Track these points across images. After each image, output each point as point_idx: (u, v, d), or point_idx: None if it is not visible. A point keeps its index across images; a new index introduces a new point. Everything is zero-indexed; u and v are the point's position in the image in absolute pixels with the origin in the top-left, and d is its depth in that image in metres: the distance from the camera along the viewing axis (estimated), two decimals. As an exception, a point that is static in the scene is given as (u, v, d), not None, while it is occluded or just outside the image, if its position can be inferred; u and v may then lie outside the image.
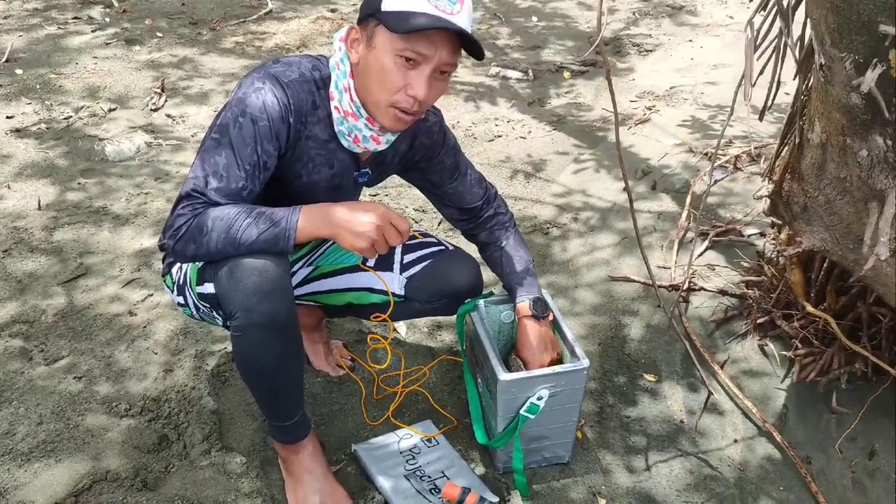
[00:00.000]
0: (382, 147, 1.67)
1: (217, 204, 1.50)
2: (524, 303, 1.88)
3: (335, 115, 1.60)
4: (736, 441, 2.07)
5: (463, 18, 1.47)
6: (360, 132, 1.61)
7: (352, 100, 1.57)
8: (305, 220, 1.49)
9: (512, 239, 1.96)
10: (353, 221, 1.48)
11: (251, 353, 1.59)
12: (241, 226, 1.47)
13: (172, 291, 1.80)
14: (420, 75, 1.49)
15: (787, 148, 1.78)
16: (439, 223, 2.94)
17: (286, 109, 1.53)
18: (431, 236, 2.00)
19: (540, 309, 1.87)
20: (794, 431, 2.09)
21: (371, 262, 1.95)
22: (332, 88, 1.59)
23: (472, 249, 2.04)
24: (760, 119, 1.73)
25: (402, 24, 1.43)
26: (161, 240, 1.60)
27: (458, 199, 1.92)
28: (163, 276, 1.85)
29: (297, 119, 1.56)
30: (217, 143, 1.52)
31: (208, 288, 1.62)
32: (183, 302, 1.77)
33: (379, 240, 1.50)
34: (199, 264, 1.65)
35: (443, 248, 1.96)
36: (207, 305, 1.67)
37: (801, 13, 1.59)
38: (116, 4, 5.06)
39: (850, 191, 1.56)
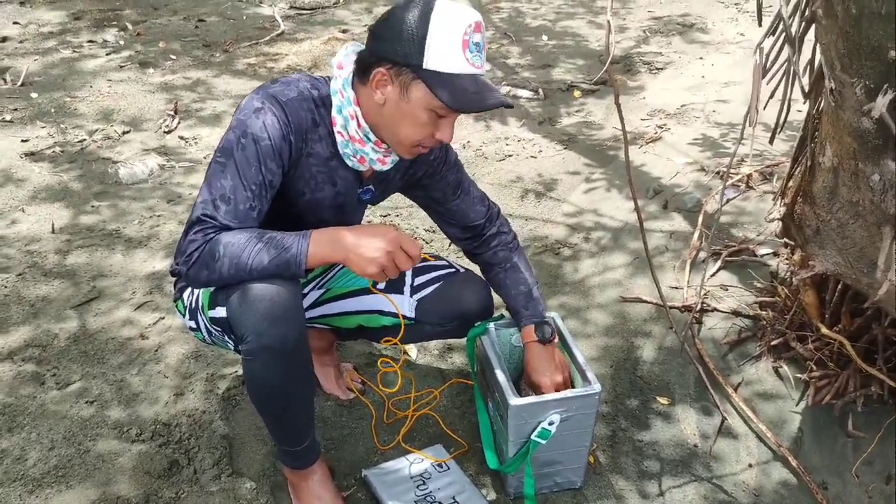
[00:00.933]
0: (388, 167, 1.68)
1: (227, 227, 1.51)
2: (528, 326, 1.88)
3: (339, 138, 1.61)
4: (751, 466, 2.05)
5: (485, 64, 1.53)
6: (366, 155, 1.63)
7: (359, 126, 1.58)
8: (316, 246, 1.50)
9: (516, 260, 1.95)
10: (363, 246, 1.49)
11: (261, 376, 1.60)
12: (252, 252, 1.48)
13: (184, 316, 1.81)
14: (448, 124, 1.56)
15: (798, 170, 1.77)
16: (450, 244, 2.94)
17: (286, 128, 1.54)
18: (442, 258, 2.00)
19: (544, 333, 1.86)
20: (810, 456, 2.07)
21: (381, 285, 1.95)
22: (334, 113, 1.60)
23: (476, 271, 2.03)
24: (771, 142, 1.72)
25: (458, 101, 1.46)
26: (173, 265, 1.61)
27: (462, 217, 1.92)
28: (174, 300, 1.85)
29: (297, 137, 1.57)
30: (222, 166, 1.53)
31: (220, 312, 1.62)
32: (195, 326, 1.78)
33: (389, 265, 1.50)
34: (212, 289, 1.66)
35: (454, 270, 1.96)
36: (219, 329, 1.67)
37: (810, 36, 1.59)
38: (130, 28, 5.12)
39: (863, 215, 1.54)
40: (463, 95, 1.47)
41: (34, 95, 4.07)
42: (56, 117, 3.84)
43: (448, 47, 1.45)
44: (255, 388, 1.64)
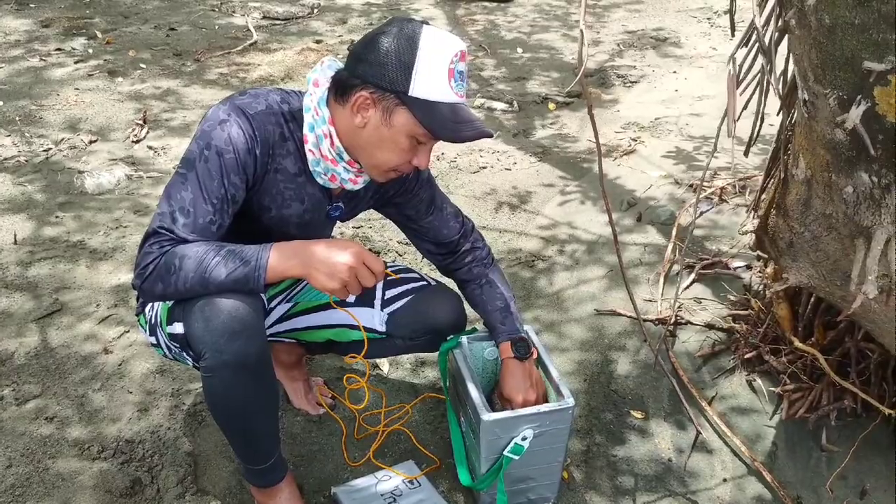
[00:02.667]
0: (359, 186, 1.66)
1: (185, 241, 1.47)
2: (506, 343, 1.85)
3: (310, 156, 1.58)
4: (725, 480, 2.03)
5: (465, 93, 1.52)
6: (338, 174, 1.60)
7: (332, 145, 1.55)
8: (276, 259, 1.46)
9: (492, 276, 1.92)
10: (325, 261, 1.46)
11: (222, 394, 1.55)
12: (210, 264, 1.44)
13: (146, 331, 1.76)
14: (426, 151, 1.55)
15: (771, 183, 1.76)
16: (423, 257, 2.90)
17: (252, 140, 1.51)
18: (414, 271, 1.97)
19: (522, 350, 1.83)
20: (784, 470, 2.05)
21: (351, 298, 1.91)
22: (305, 130, 1.56)
23: (450, 283, 2.00)
24: (746, 154, 1.72)
25: (443, 130, 1.45)
26: (133, 279, 1.56)
27: (435, 234, 1.89)
28: (136, 314, 1.80)
29: (263, 151, 1.53)
30: (183, 177, 1.49)
31: (177, 328, 1.58)
32: (155, 342, 1.73)
33: (352, 281, 1.48)
34: (170, 304, 1.62)
35: (425, 283, 1.93)
36: (178, 345, 1.62)
37: (783, 48, 1.58)
38: (100, 36, 5.04)
39: (837, 227, 1.53)
40: (447, 125, 1.46)
41: (0, 104, 3.98)
42: (21, 126, 3.75)
43: (435, 76, 1.44)
44: (216, 406, 1.59)
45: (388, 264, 1.95)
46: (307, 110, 1.55)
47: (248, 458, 1.72)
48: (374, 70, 1.45)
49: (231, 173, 1.49)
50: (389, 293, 1.91)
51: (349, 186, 1.64)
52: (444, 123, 1.46)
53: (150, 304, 1.74)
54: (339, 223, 1.89)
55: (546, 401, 1.86)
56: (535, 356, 1.88)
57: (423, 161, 1.56)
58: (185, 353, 1.63)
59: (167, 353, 1.72)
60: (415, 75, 1.43)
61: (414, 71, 1.43)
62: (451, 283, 2.00)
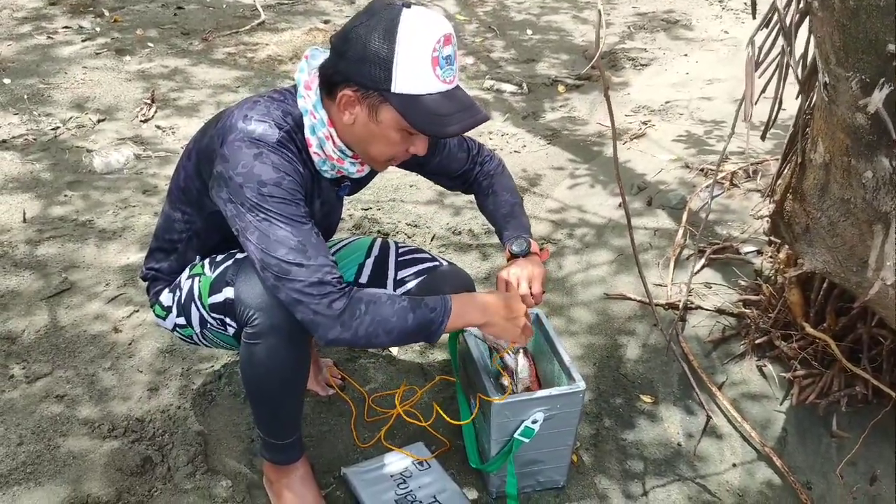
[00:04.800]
0: (366, 173, 1.68)
1: (329, 264, 1.45)
2: (508, 244, 1.84)
3: (315, 158, 1.57)
4: (735, 465, 2.03)
5: (457, 76, 1.47)
6: (345, 169, 1.61)
7: (335, 146, 1.54)
8: (457, 309, 1.53)
9: (497, 186, 1.91)
10: (507, 311, 1.58)
11: (264, 362, 1.56)
12: (398, 308, 1.48)
13: (165, 318, 1.75)
14: (423, 139, 1.52)
15: (788, 167, 1.74)
16: (432, 238, 2.90)
17: (293, 162, 1.49)
18: (425, 252, 1.96)
19: (518, 248, 1.80)
20: (794, 456, 2.05)
21: (364, 279, 1.91)
22: (307, 133, 1.54)
23: (460, 263, 1.99)
24: (763, 138, 1.70)
25: (431, 125, 1.42)
26: (143, 270, 1.65)
27: (445, 169, 1.88)
28: (151, 305, 1.80)
29: (305, 174, 1.55)
30: (268, 221, 1.44)
31: (226, 293, 1.59)
32: (184, 322, 1.71)
33: (527, 325, 1.62)
34: (213, 274, 1.62)
35: (437, 263, 1.92)
36: (219, 317, 1.62)
37: (803, 30, 1.56)
38: (107, 14, 5.01)
39: (854, 213, 1.52)
40: (433, 120, 1.42)
41: (6, 81, 3.96)
42: (29, 104, 3.74)
43: (417, 68, 1.39)
44: (255, 374, 1.60)
45: (399, 244, 1.95)
46: (305, 113, 1.53)
47: (273, 431, 1.72)
48: (353, 67, 1.41)
49: (297, 193, 1.48)
50: (402, 273, 1.90)
51: (357, 177, 1.66)
52: (429, 119, 1.41)
53: (166, 290, 1.75)
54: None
55: (543, 292, 1.83)
56: (537, 251, 1.83)
57: (421, 148, 1.54)
58: (225, 325, 1.62)
59: (197, 331, 1.70)
60: (395, 70, 1.37)
61: (394, 66, 1.37)
62: (459, 262, 1.99)
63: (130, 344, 2.31)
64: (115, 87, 4.00)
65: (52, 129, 3.54)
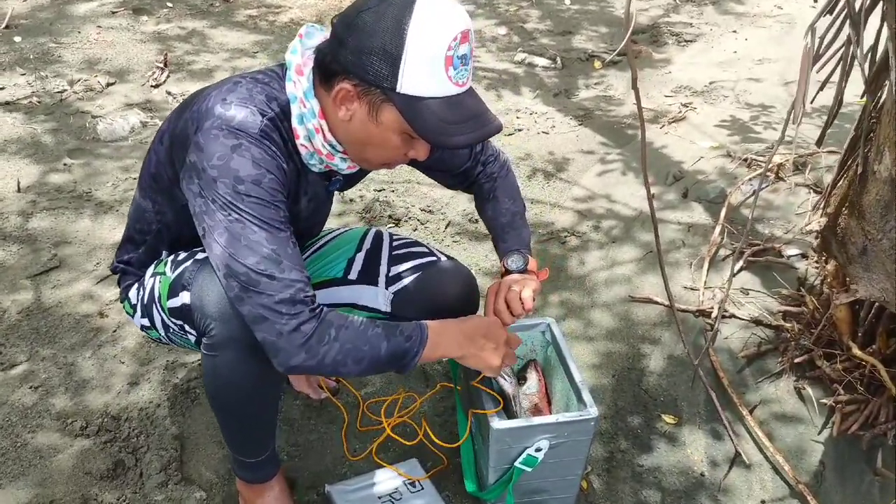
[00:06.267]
0: (357, 169, 1.49)
1: (303, 280, 1.28)
2: (504, 259, 1.67)
3: (302, 150, 1.38)
4: (763, 502, 1.82)
5: (471, 77, 1.29)
6: (335, 165, 1.42)
7: (325, 140, 1.35)
8: (433, 338, 1.39)
9: (499, 191, 1.72)
10: (484, 341, 1.46)
11: (224, 375, 1.41)
12: (371, 335, 1.32)
13: (133, 315, 1.59)
14: (423, 144, 1.34)
15: (845, 177, 1.50)
16: (446, 226, 2.70)
17: (276, 158, 1.31)
18: (421, 245, 1.76)
19: (517, 264, 1.64)
20: (831, 494, 1.84)
21: (354, 276, 1.73)
22: (294, 123, 1.34)
23: (459, 257, 1.79)
24: (819, 144, 1.46)
25: (439, 134, 1.25)
26: (114, 263, 1.49)
27: (446, 165, 1.69)
28: (121, 301, 1.64)
29: (289, 168, 1.37)
30: (241, 223, 1.26)
31: (183, 298, 1.42)
32: (148, 323, 1.56)
33: (508, 352, 1.50)
34: (173, 275, 1.46)
35: (434, 258, 1.72)
36: (178, 322, 1.46)
37: (874, 18, 1.31)
38: (129, -30, 4.84)
39: (924, 237, 1.29)
40: (440, 128, 1.24)
41: (17, 39, 3.82)
42: (37, 64, 3.60)
43: (428, 67, 1.20)
44: (216, 389, 1.45)
45: (394, 235, 1.76)
46: (293, 100, 1.33)
47: (241, 449, 1.59)
48: (356, 59, 1.23)
49: (277, 194, 1.30)
50: (395, 269, 1.71)
51: (346, 172, 1.47)
52: (436, 126, 1.24)
53: (135, 286, 1.58)
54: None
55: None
56: (534, 272, 1.66)
57: (422, 153, 1.36)
58: (185, 331, 1.46)
59: (163, 334, 1.55)
60: (403, 68, 1.20)
61: (402, 63, 1.19)
62: (459, 257, 1.78)
63: (115, 330, 2.17)
64: (129, 48, 3.84)
65: (59, 92, 3.39)
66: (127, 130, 3.13)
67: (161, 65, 3.65)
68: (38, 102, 3.29)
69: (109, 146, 3.05)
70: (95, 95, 3.39)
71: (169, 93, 3.46)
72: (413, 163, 1.64)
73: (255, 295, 1.25)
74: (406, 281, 1.70)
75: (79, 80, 3.48)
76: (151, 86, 3.51)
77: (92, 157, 2.96)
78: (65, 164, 2.90)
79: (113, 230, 2.57)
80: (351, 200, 2.79)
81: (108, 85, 3.49)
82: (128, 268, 1.62)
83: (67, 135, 3.09)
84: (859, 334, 1.96)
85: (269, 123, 1.32)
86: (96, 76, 3.53)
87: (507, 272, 1.64)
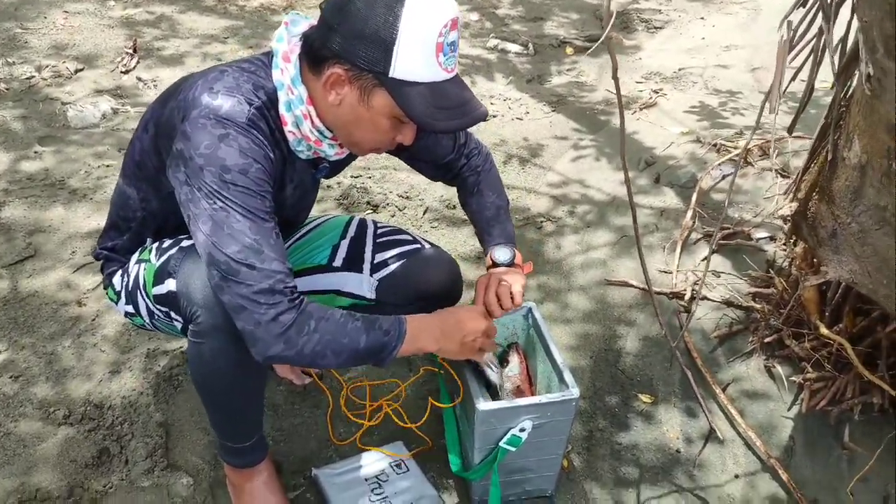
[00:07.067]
0: (344, 156, 1.50)
1: (283, 270, 1.28)
2: (489, 252, 1.71)
3: (290, 137, 1.39)
4: (737, 476, 1.88)
5: (457, 63, 1.32)
6: (322, 151, 1.44)
7: (313, 126, 1.37)
8: (412, 332, 1.41)
9: (483, 185, 1.75)
10: (461, 335, 1.48)
11: (210, 362, 1.42)
12: (350, 328, 1.33)
13: (117, 302, 1.60)
14: (412, 128, 1.38)
15: (816, 163, 1.56)
16: (424, 212, 2.72)
17: (263, 147, 1.32)
18: (406, 232, 1.79)
19: (505, 256, 1.68)
20: (801, 468, 1.91)
21: (339, 263, 1.75)
22: (282, 110, 1.36)
23: (442, 244, 1.82)
24: (790, 132, 1.51)
25: (431, 118, 1.27)
26: (97, 249, 1.49)
27: (431, 155, 1.71)
28: (104, 287, 1.64)
29: (275, 157, 1.37)
30: (225, 212, 1.26)
31: (169, 286, 1.43)
32: (133, 310, 1.56)
33: (487, 342, 1.53)
34: (158, 262, 1.46)
35: (418, 246, 1.75)
36: (164, 309, 1.46)
37: (845, 10, 1.36)
38: (94, -47, 4.74)
39: (890, 221, 1.34)
40: (434, 111, 1.27)
41: (-19, 24, 3.74)
42: (3, 50, 3.53)
43: (419, 53, 1.23)
44: (202, 376, 1.46)
45: (378, 223, 1.78)
46: (280, 87, 1.35)
47: (228, 435, 1.60)
48: (348, 44, 1.24)
49: (264, 184, 1.30)
50: (379, 257, 1.74)
51: (334, 158, 1.49)
52: (427, 110, 1.26)
53: (119, 273, 1.58)
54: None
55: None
56: (518, 263, 1.70)
57: (409, 138, 1.39)
58: (171, 318, 1.47)
59: (147, 321, 1.56)
60: (396, 53, 1.22)
61: (395, 48, 1.22)
62: (443, 244, 1.82)
63: (94, 319, 2.16)
64: (97, 33, 3.79)
65: (27, 78, 3.34)
66: (98, 117, 3.09)
67: (130, 50, 3.60)
68: (7, 89, 3.24)
69: (80, 133, 3.01)
70: (64, 81, 3.34)
71: (140, 79, 3.43)
72: (398, 153, 1.66)
73: (235, 284, 1.26)
74: (391, 268, 1.73)
75: (47, 66, 3.43)
76: (121, 72, 3.47)
77: (63, 144, 2.93)
78: (35, 152, 2.86)
79: (87, 218, 2.55)
80: (328, 187, 2.79)
81: (77, 71, 3.44)
82: (112, 254, 1.62)
83: (37, 122, 3.04)
84: (826, 314, 2.02)
85: (257, 112, 1.33)
86: (64, 62, 3.48)
87: (495, 265, 1.67)
